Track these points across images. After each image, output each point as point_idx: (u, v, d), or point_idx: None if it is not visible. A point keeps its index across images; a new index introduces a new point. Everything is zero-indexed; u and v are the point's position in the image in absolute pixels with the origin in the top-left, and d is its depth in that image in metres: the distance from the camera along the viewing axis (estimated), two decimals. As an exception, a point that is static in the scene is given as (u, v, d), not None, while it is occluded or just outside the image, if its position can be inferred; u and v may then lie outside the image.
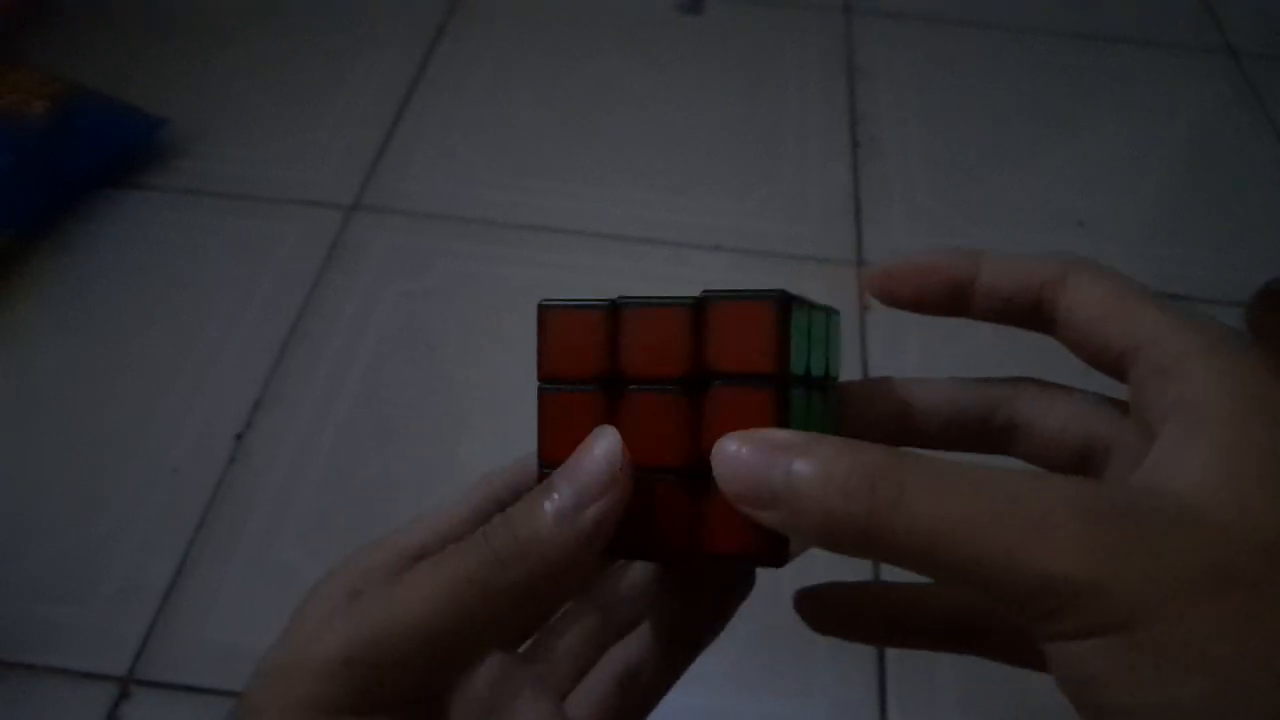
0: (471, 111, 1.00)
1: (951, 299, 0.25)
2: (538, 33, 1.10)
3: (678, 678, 0.28)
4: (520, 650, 0.27)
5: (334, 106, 0.99)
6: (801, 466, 0.21)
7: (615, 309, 0.25)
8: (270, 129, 0.96)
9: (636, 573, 0.29)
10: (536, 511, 0.23)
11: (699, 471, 0.24)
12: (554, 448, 0.25)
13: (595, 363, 0.25)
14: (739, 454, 0.22)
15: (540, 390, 0.26)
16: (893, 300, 0.26)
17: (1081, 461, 0.25)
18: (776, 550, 0.24)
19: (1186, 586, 0.18)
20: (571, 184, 0.93)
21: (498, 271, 0.84)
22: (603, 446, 0.23)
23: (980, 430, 0.26)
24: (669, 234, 0.88)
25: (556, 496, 0.23)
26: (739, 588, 0.28)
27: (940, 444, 0.27)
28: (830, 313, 0.27)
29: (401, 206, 0.90)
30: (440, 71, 1.04)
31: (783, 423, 0.24)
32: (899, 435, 0.27)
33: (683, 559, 0.25)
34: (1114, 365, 0.23)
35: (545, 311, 0.26)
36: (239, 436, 0.73)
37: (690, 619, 0.28)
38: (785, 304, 0.24)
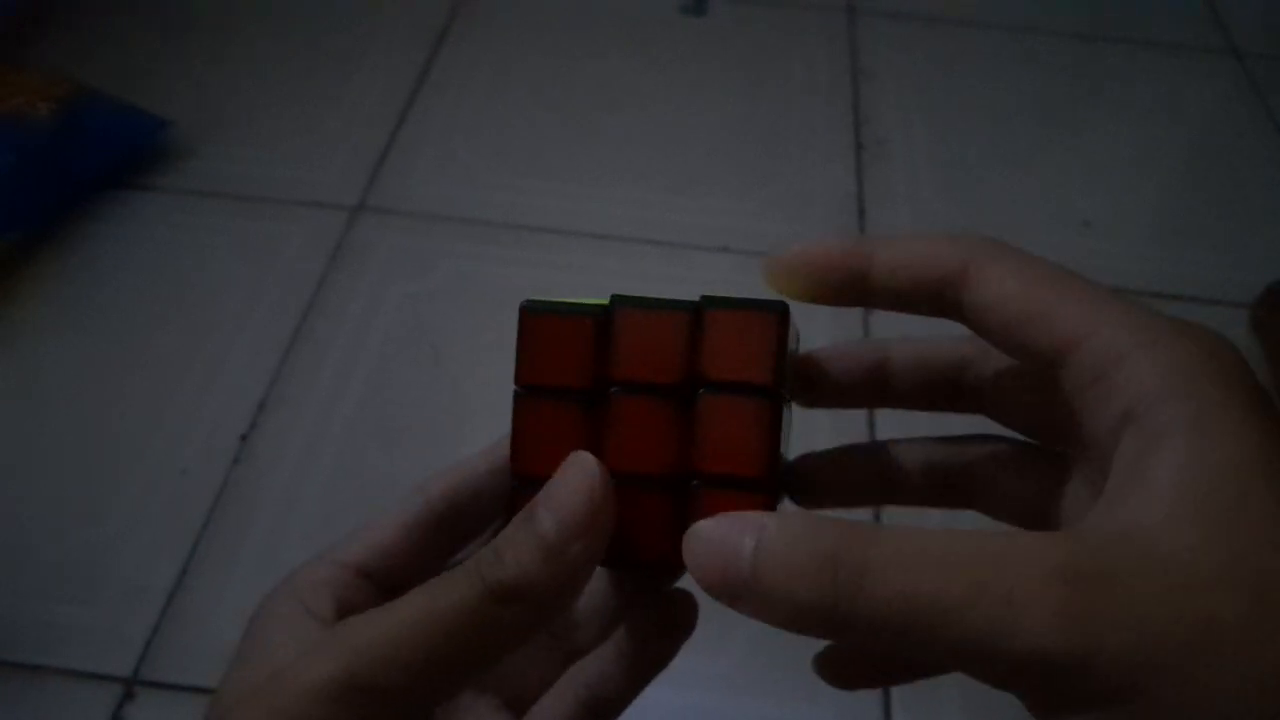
0: (475, 112, 1.00)
1: (847, 291, 0.24)
2: (541, 34, 1.10)
3: (633, 699, 0.28)
4: None
5: (339, 107, 0.99)
6: (763, 557, 0.20)
7: (607, 313, 0.24)
8: (275, 130, 0.96)
9: (593, 596, 0.29)
10: (524, 547, 0.22)
11: (683, 480, 0.24)
12: (528, 460, 0.24)
13: (580, 373, 0.24)
14: (707, 540, 0.21)
15: (516, 396, 0.24)
16: (791, 294, 0.25)
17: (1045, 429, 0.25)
18: None
19: (1173, 648, 0.17)
20: (576, 185, 0.93)
21: (502, 272, 0.84)
22: (583, 479, 0.23)
23: (952, 390, 0.26)
24: (673, 235, 0.88)
25: (541, 531, 0.22)
26: (685, 625, 0.28)
27: (914, 403, 0.27)
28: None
29: (406, 207, 0.90)
30: (444, 73, 1.04)
31: (775, 433, 0.23)
32: (876, 395, 0.27)
33: (663, 570, 0.25)
34: (1040, 365, 0.22)
35: (528, 314, 0.24)
36: (244, 437, 0.73)
37: (649, 647, 0.28)
38: (785, 315, 0.23)
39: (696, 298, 0.24)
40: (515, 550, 0.22)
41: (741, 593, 0.20)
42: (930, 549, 0.19)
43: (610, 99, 1.02)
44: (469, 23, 1.10)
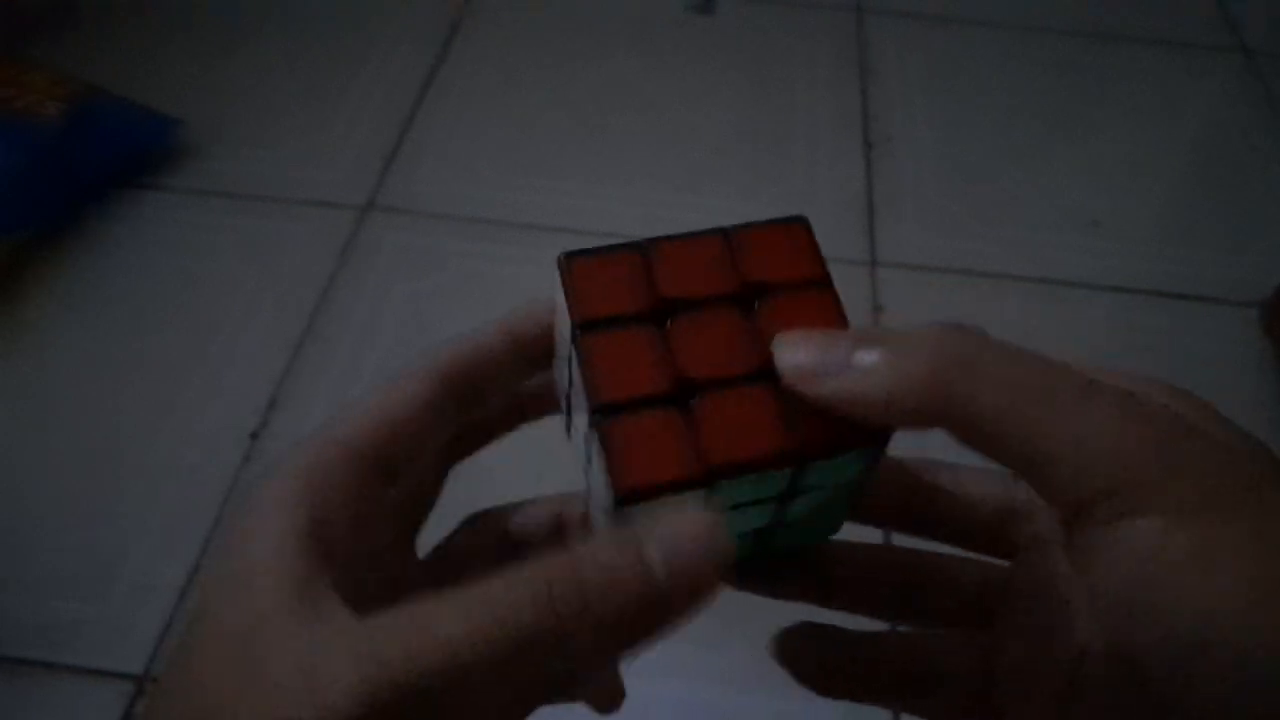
0: (483, 112, 1.00)
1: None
2: (550, 33, 1.10)
3: None
4: None
5: (347, 107, 0.99)
6: (885, 338, 0.21)
7: (645, 248, 0.25)
8: (284, 129, 0.97)
9: None
10: (621, 583, 0.19)
11: (766, 376, 0.23)
12: (611, 388, 0.23)
13: (636, 298, 0.24)
14: (810, 331, 0.22)
15: (578, 335, 0.23)
16: None
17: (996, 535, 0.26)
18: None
19: (1233, 498, 0.19)
20: (583, 184, 0.93)
21: (509, 271, 0.84)
22: (712, 536, 0.20)
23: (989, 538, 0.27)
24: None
25: (654, 571, 0.19)
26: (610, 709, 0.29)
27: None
28: None
29: (414, 206, 0.90)
30: (452, 72, 1.04)
31: (843, 316, 0.24)
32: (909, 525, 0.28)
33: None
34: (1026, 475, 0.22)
35: (571, 260, 0.24)
36: (254, 435, 0.73)
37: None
38: (808, 225, 0.25)
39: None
40: (602, 575, 0.19)
41: (843, 364, 0.21)
42: (1048, 359, 0.21)
43: (618, 98, 1.02)
44: (477, 22, 1.10)
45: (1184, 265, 0.89)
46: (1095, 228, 0.92)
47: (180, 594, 0.65)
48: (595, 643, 0.19)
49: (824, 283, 0.24)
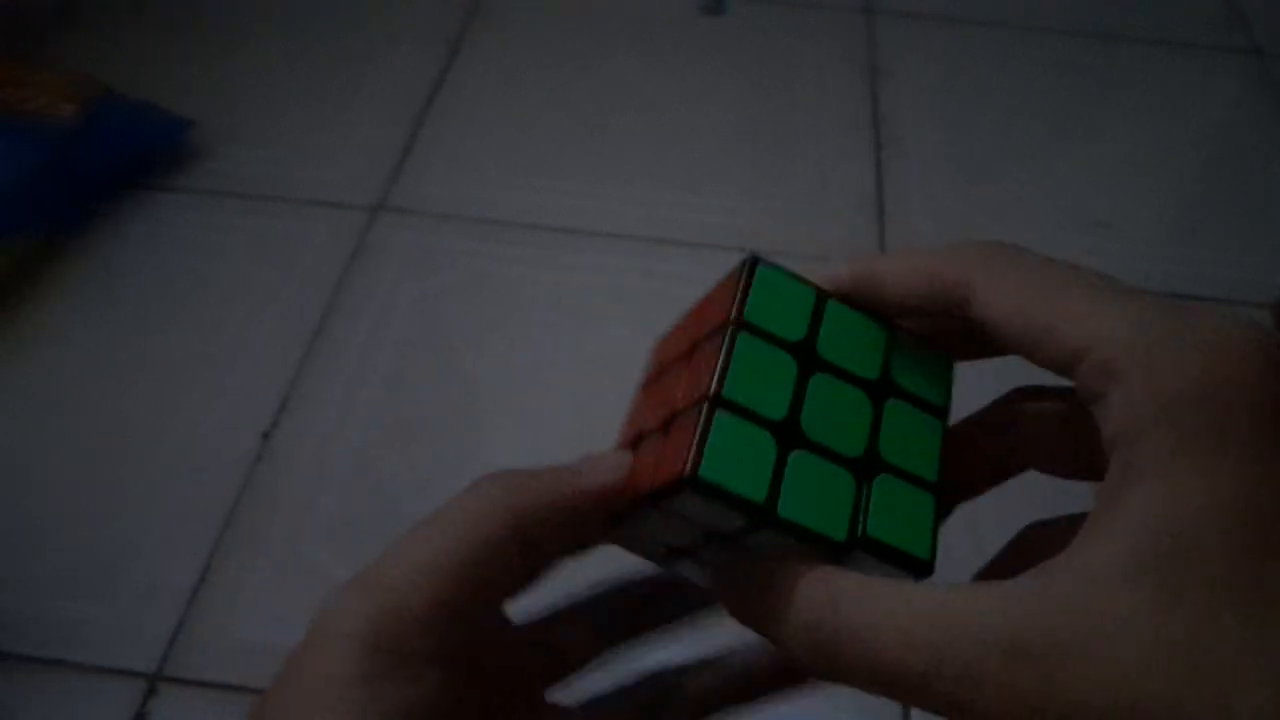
0: (493, 113, 1.00)
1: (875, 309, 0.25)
2: (560, 34, 1.10)
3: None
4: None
5: (358, 108, 1.00)
6: (771, 615, 0.22)
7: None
8: (295, 130, 0.97)
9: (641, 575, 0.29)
10: (546, 477, 0.25)
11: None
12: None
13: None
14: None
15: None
16: None
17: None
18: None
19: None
20: (593, 185, 0.93)
21: (519, 272, 0.85)
22: (616, 459, 0.26)
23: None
24: (690, 235, 0.89)
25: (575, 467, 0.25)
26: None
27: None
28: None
29: (424, 207, 0.91)
30: (463, 73, 1.05)
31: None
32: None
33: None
34: (1059, 370, 0.21)
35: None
36: (265, 435, 0.74)
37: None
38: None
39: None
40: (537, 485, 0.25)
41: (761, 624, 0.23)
42: (892, 616, 0.19)
43: (629, 99, 1.03)
44: (487, 23, 1.11)
45: (1190, 266, 0.89)
46: (1101, 229, 0.92)
47: (193, 593, 0.65)
48: (536, 521, 0.24)
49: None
